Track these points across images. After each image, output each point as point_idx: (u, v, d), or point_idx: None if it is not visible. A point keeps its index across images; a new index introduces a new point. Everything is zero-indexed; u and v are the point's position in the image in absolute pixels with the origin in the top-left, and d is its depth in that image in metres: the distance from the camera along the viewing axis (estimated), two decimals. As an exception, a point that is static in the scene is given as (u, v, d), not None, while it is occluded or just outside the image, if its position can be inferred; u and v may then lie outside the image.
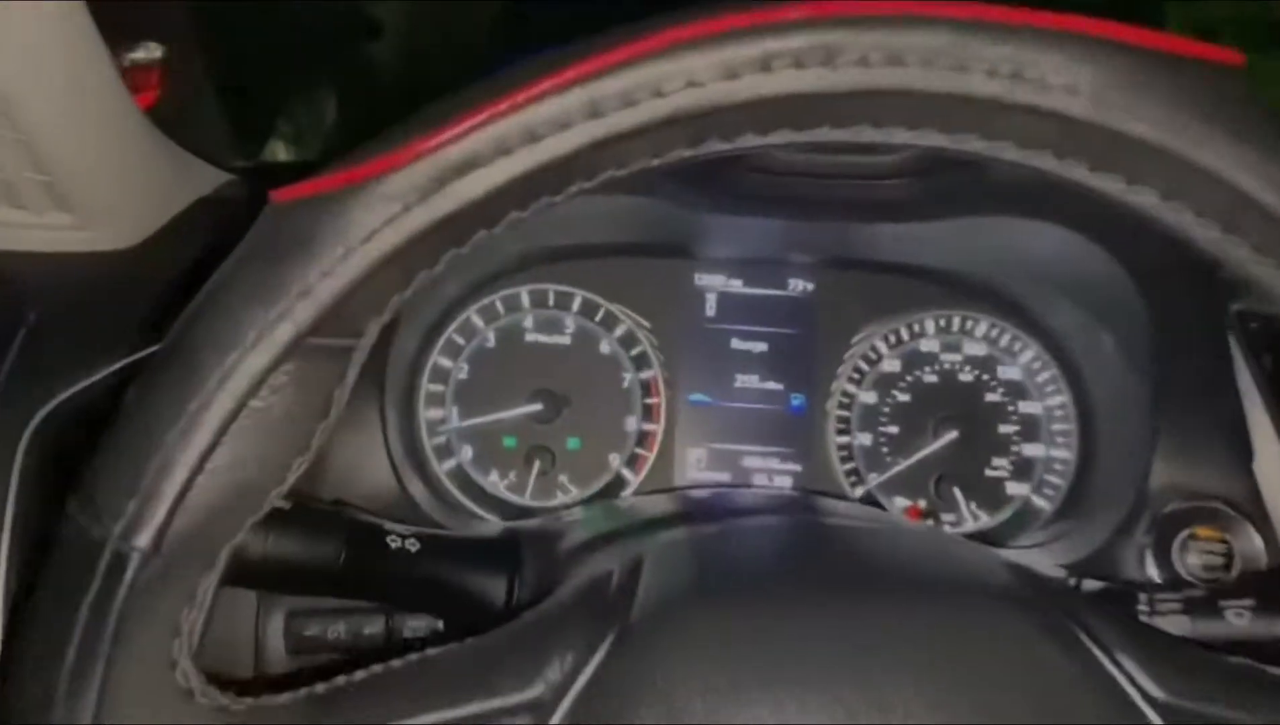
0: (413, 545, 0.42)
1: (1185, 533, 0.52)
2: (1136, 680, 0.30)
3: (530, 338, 0.62)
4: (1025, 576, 0.34)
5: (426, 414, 0.61)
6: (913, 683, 0.29)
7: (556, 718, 0.29)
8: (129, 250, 0.53)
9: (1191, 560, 0.51)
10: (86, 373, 0.48)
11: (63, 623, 0.28)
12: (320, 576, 0.41)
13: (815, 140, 0.30)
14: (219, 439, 0.29)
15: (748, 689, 0.29)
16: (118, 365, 0.47)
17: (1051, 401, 0.61)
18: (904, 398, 0.62)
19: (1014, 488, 0.61)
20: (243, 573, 0.36)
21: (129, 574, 0.28)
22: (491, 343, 0.62)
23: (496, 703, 0.29)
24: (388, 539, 0.42)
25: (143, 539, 0.28)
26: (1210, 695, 0.31)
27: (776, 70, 0.28)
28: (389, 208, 0.28)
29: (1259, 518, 0.51)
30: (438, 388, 0.61)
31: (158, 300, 0.49)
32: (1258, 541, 0.51)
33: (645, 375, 0.62)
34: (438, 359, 0.61)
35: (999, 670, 0.30)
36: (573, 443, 0.61)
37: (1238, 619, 0.44)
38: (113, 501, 0.28)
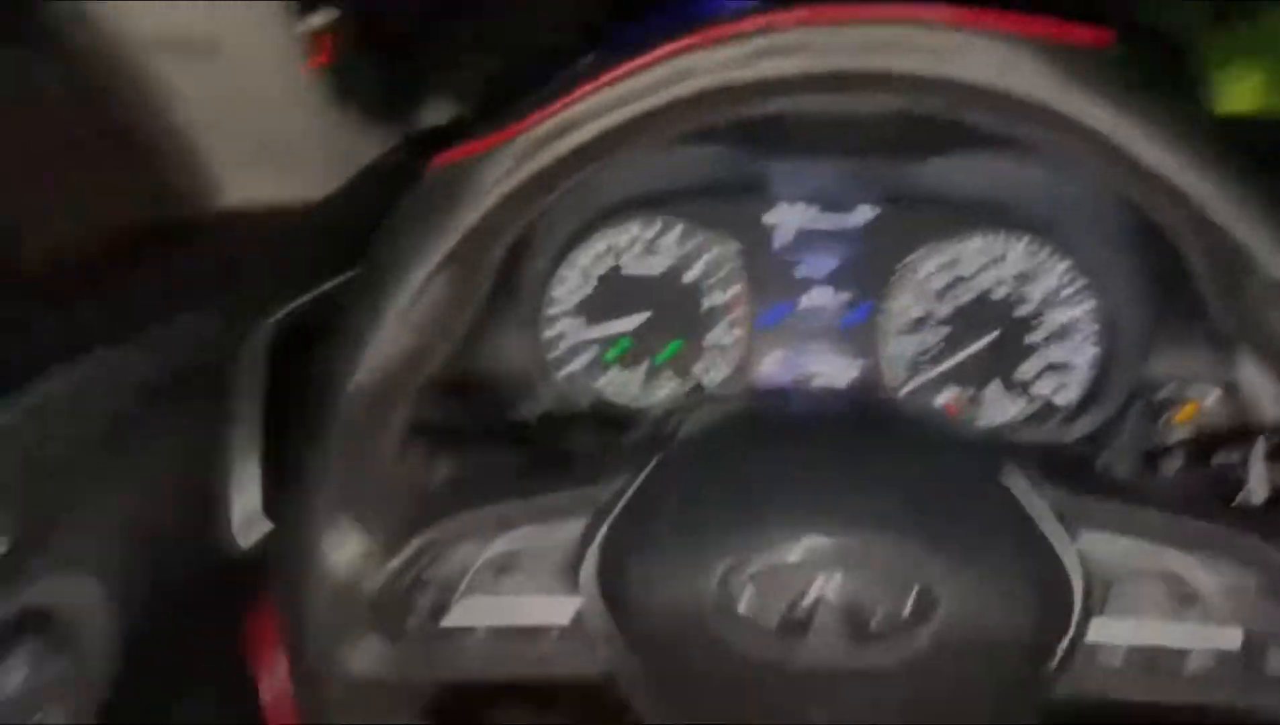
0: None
1: (1173, 411, 0.62)
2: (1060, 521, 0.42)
3: (634, 265, 0.76)
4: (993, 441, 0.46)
5: (549, 330, 0.76)
6: (873, 506, 0.42)
7: (611, 516, 0.43)
8: (316, 204, 0.69)
9: (1176, 433, 0.61)
10: (297, 295, 0.64)
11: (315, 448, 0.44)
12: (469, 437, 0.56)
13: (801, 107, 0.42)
14: (398, 328, 0.44)
15: (756, 507, 0.42)
16: (327, 286, 0.63)
17: (1076, 311, 0.71)
18: (947, 310, 0.73)
19: (1039, 387, 0.71)
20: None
21: (342, 408, 0.44)
22: (603, 269, 0.76)
23: (568, 494, 0.43)
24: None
25: (350, 386, 0.43)
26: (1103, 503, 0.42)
27: (766, 59, 0.40)
28: (509, 164, 0.42)
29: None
30: (559, 308, 0.76)
31: (347, 240, 0.66)
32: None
33: (729, 295, 0.75)
34: (560, 283, 0.76)
35: (954, 504, 0.42)
36: (665, 354, 0.75)
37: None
38: (336, 366, 0.44)
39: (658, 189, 0.74)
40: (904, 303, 0.73)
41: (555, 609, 0.43)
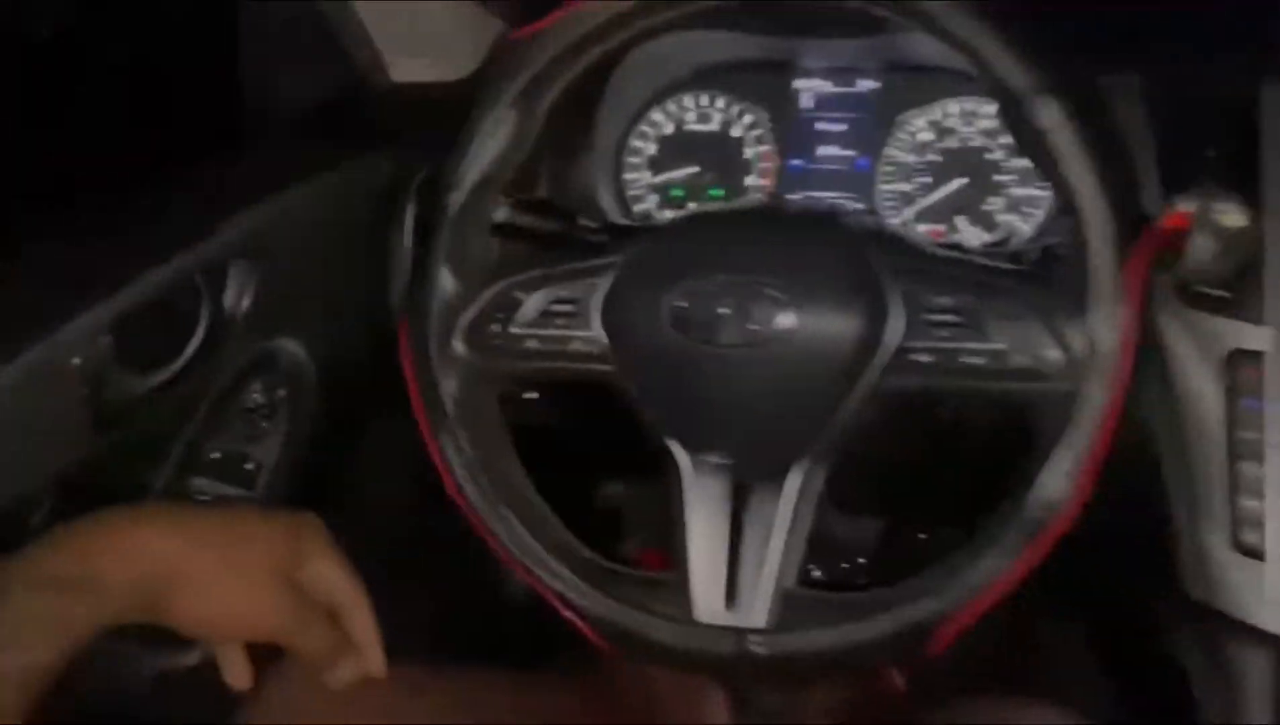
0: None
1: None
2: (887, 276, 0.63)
3: (691, 126, 0.99)
4: (854, 221, 0.68)
5: (627, 176, 1.00)
6: (775, 266, 0.64)
7: (612, 274, 0.67)
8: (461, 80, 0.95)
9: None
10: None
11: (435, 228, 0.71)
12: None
13: None
14: (481, 147, 0.69)
15: (693, 260, 0.66)
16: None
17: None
18: (933, 157, 0.92)
19: (1003, 217, 0.90)
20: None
21: (449, 201, 0.70)
22: (669, 130, 0.99)
23: (583, 263, 0.68)
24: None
25: (454, 186, 0.70)
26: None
27: None
28: (544, 45, 0.67)
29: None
30: (634, 160, 1.00)
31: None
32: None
33: (762, 149, 0.97)
34: (633, 142, 0.99)
35: (812, 259, 0.65)
36: (714, 193, 0.98)
37: None
38: (445, 175, 0.70)
39: (706, 66, 0.97)
40: (897, 153, 0.93)
41: (575, 337, 0.69)
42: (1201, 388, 0.75)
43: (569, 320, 0.69)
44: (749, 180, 0.98)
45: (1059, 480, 0.60)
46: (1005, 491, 0.63)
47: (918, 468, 0.78)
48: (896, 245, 0.66)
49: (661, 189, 0.99)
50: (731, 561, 0.67)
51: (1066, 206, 0.60)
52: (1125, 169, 0.63)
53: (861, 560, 0.87)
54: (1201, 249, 0.72)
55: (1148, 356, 0.77)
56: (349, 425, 0.92)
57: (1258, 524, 0.72)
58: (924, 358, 0.63)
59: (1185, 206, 0.72)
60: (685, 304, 0.65)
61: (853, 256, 0.64)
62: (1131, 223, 0.60)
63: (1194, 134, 0.76)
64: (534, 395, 0.94)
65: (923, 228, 0.93)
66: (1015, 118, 0.60)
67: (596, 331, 0.68)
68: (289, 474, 0.88)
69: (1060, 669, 0.93)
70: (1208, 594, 0.74)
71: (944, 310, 0.62)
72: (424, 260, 0.71)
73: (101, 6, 0.88)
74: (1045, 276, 0.62)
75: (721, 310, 0.64)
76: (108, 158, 0.82)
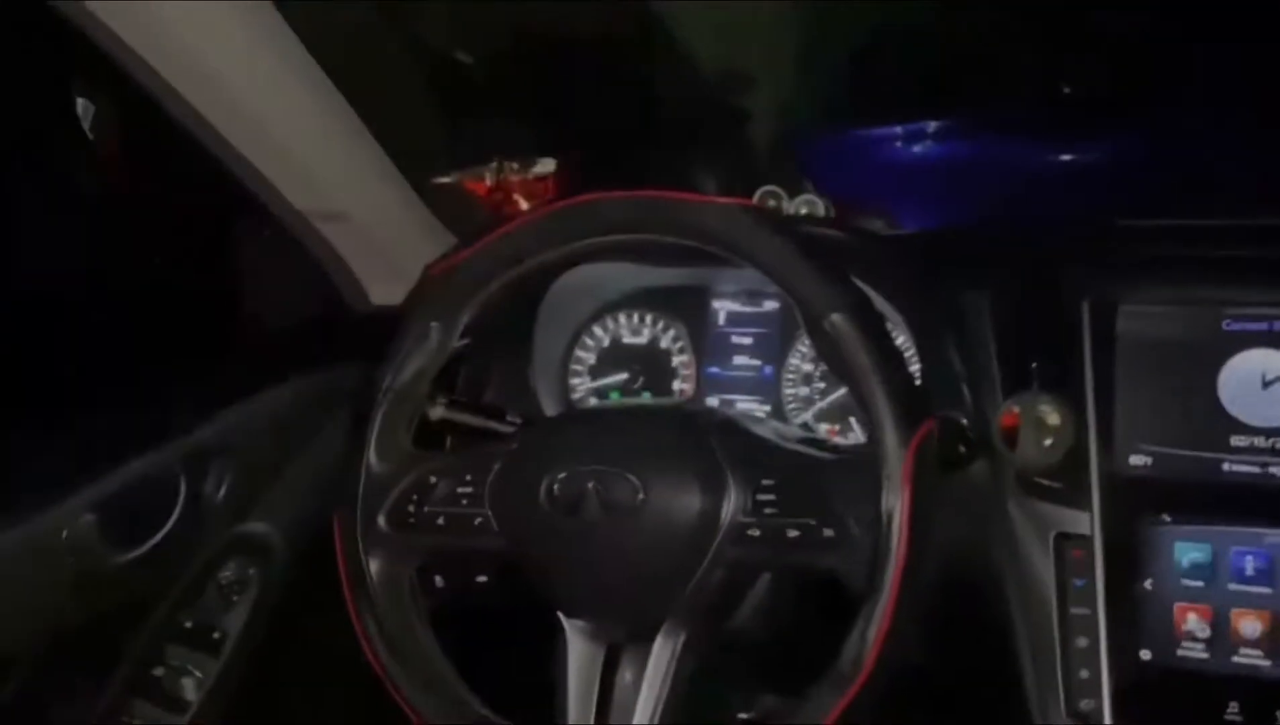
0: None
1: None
2: (725, 460, 0.75)
3: (625, 340, 1.14)
4: (703, 414, 0.80)
5: (571, 381, 1.14)
6: (633, 452, 0.77)
7: (498, 464, 0.80)
8: None
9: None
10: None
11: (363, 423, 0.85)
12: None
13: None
14: (406, 360, 0.84)
15: (564, 454, 0.78)
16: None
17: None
18: (824, 368, 1.05)
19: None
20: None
21: (375, 406, 0.84)
22: (605, 343, 1.14)
23: (480, 454, 0.82)
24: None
25: (381, 392, 0.84)
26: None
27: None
28: (455, 280, 0.82)
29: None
30: (578, 367, 1.14)
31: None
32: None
33: (685, 358, 1.11)
34: (577, 352, 1.14)
35: (663, 446, 0.77)
36: (645, 395, 1.12)
37: None
38: (374, 383, 0.85)
39: (637, 290, 1.12)
40: (797, 362, 1.07)
41: (476, 515, 0.81)
42: (1038, 566, 0.84)
43: (472, 501, 0.81)
44: (675, 384, 1.11)
45: (860, 641, 0.68)
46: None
47: (782, 633, 0.86)
48: (735, 434, 0.77)
49: (600, 392, 1.13)
50: (600, 719, 0.76)
51: (858, 403, 0.72)
52: (911, 372, 0.75)
53: (732, 712, 0.94)
54: (1029, 442, 0.83)
55: (999, 540, 0.87)
56: (309, 601, 1.04)
57: (1091, 694, 0.79)
58: (755, 532, 0.73)
59: (1016, 406, 0.84)
60: (556, 485, 0.77)
61: (698, 444, 0.76)
62: (913, 418, 0.71)
63: (1028, 343, 0.88)
64: (484, 579, 1.05)
65: (823, 427, 1.05)
66: (813, 330, 0.73)
67: (491, 509, 0.80)
68: (251, 643, 0.99)
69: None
70: (1055, 761, 0.80)
71: (769, 489, 0.73)
72: (355, 451, 0.84)
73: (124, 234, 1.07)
74: (848, 462, 0.73)
75: (585, 490, 0.76)
76: (113, 359, 0.99)
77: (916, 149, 3.34)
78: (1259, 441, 0.81)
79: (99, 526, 0.85)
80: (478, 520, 0.81)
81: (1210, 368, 0.83)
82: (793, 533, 0.72)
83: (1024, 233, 1.01)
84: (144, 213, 1.11)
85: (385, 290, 1.14)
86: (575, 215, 0.81)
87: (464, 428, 0.95)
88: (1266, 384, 0.81)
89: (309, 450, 1.04)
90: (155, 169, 1.09)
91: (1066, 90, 3.05)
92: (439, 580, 0.99)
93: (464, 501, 0.82)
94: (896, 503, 0.69)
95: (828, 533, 0.71)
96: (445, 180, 1.43)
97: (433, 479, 0.83)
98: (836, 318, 0.72)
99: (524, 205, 1.83)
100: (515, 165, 1.71)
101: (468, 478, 0.82)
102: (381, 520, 0.83)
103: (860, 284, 0.75)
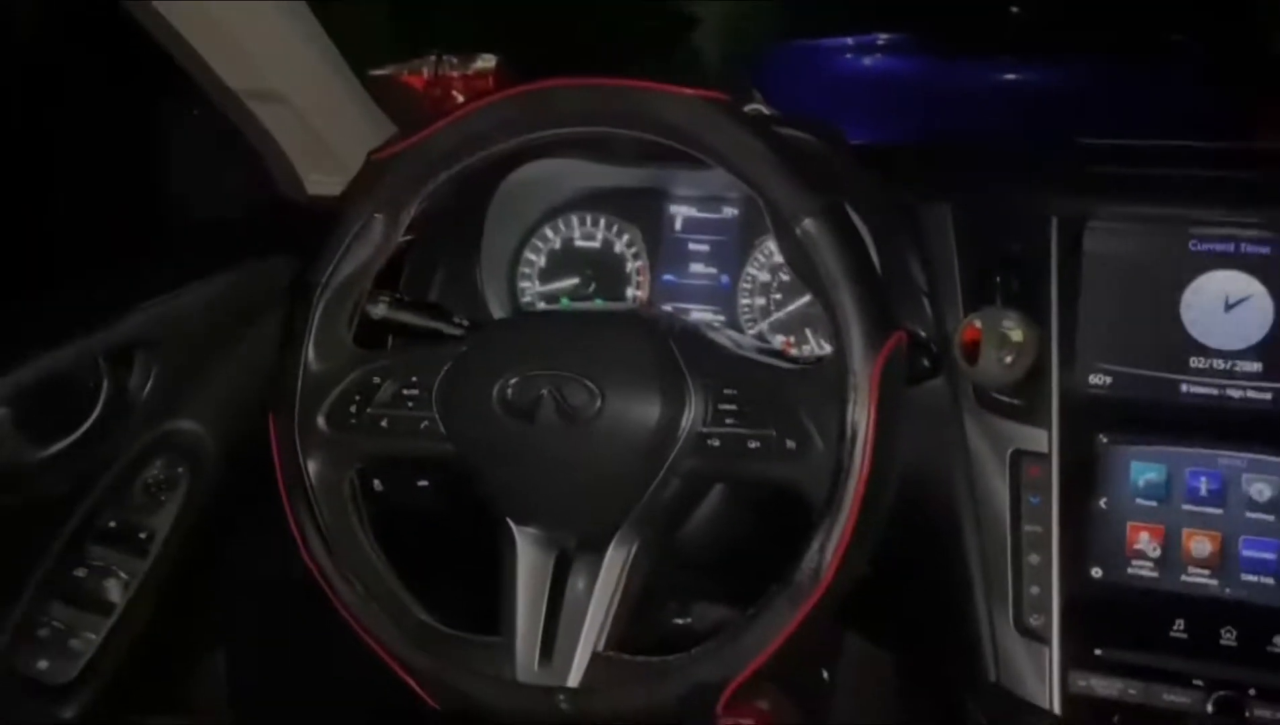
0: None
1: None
2: (687, 368, 0.72)
3: (577, 243, 1.09)
4: (664, 320, 0.77)
5: (520, 284, 1.10)
6: (592, 358, 0.73)
7: (449, 364, 0.76)
8: None
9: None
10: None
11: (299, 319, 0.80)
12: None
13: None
14: (347, 250, 0.79)
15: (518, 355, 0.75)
16: None
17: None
18: (784, 277, 1.02)
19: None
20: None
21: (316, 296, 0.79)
22: (557, 246, 1.10)
23: (428, 352, 0.78)
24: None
25: (320, 283, 0.79)
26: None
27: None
28: (398, 166, 0.77)
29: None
30: (527, 270, 1.10)
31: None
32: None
33: (639, 264, 1.07)
34: (527, 255, 1.10)
35: (622, 352, 0.74)
36: (597, 302, 1.08)
37: None
38: (314, 272, 0.80)
39: (591, 191, 1.08)
40: (755, 272, 1.04)
41: (422, 418, 0.77)
42: (993, 484, 0.83)
43: (418, 403, 0.77)
44: (629, 291, 1.08)
45: (819, 554, 0.67)
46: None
47: (736, 542, 0.85)
48: (696, 342, 0.75)
49: (550, 296, 1.09)
50: (550, 627, 0.74)
51: (826, 312, 0.69)
52: (883, 282, 0.73)
53: (677, 624, 0.93)
54: (990, 358, 0.81)
55: (955, 456, 0.86)
56: (241, 502, 1.00)
57: (1040, 609, 0.80)
58: (715, 442, 0.71)
59: (978, 321, 0.82)
60: (510, 389, 0.73)
61: (659, 351, 0.73)
62: (882, 329, 0.69)
63: (992, 259, 0.86)
64: (425, 484, 1.02)
65: (778, 339, 1.02)
66: (782, 234, 0.70)
67: (438, 413, 0.77)
68: (180, 545, 0.95)
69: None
70: (1000, 675, 0.81)
71: (731, 399, 0.71)
72: (291, 346, 0.80)
73: (44, 109, 0.99)
74: (812, 373, 0.71)
75: (540, 395, 0.72)
76: (28, 246, 0.92)
77: (866, 62, 3.31)
78: (1218, 363, 0.80)
79: (14, 420, 0.80)
80: (424, 424, 0.77)
81: (1174, 288, 0.82)
82: (754, 443, 0.70)
83: (987, 149, 0.98)
84: (60, 86, 1.02)
85: (323, 181, 1.08)
86: (535, 102, 0.76)
87: (407, 328, 0.91)
88: (1230, 306, 0.81)
89: (243, 346, 0.98)
90: (73, 36, 1.00)
91: (1015, 9, 3.04)
92: (378, 485, 0.96)
93: (409, 404, 0.78)
94: (862, 416, 0.67)
95: (790, 444, 0.69)
96: (382, 72, 1.36)
97: (376, 379, 0.79)
98: (809, 223, 0.69)
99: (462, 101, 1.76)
100: (455, 60, 1.63)
101: (414, 379, 0.78)
102: (320, 421, 0.79)
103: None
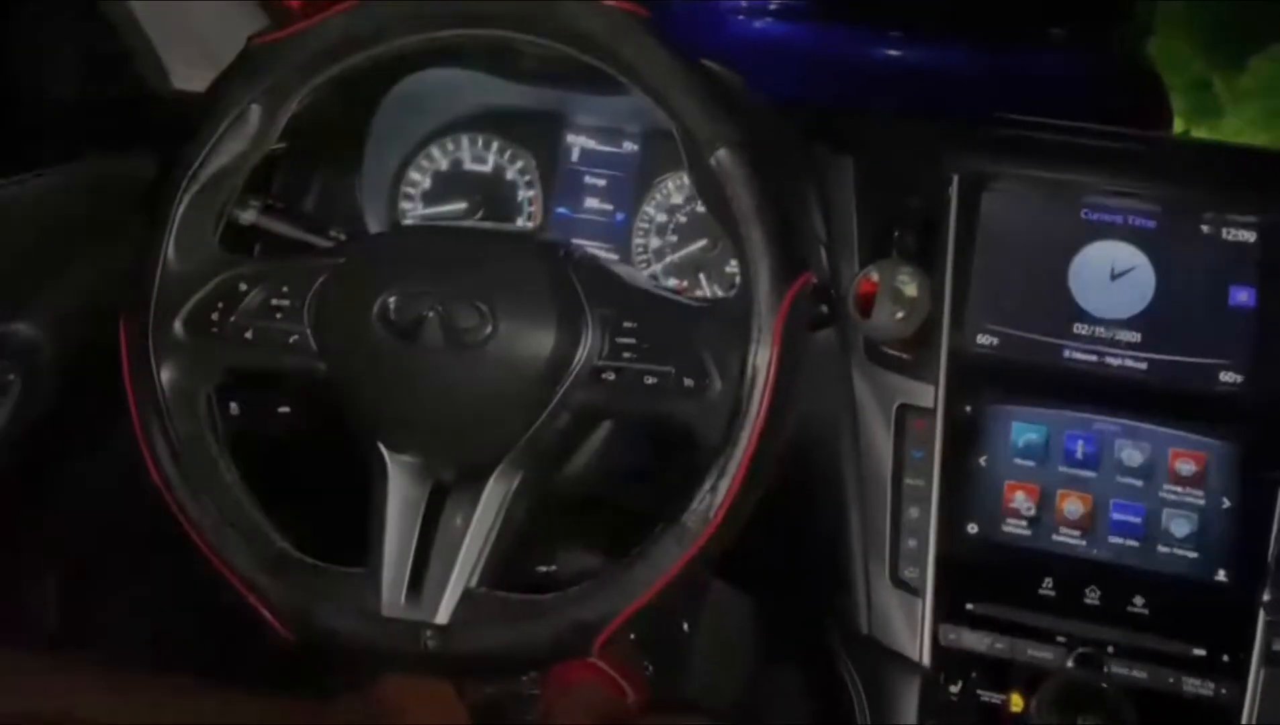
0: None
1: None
2: (586, 298, 0.69)
3: (466, 166, 1.04)
4: (564, 246, 0.73)
5: (402, 205, 1.04)
6: (484, 279, 0.69)
7: (331, 272, 0.71)
8: None
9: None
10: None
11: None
12: None
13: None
14: (220, 143, 0.72)
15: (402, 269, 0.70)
16: None
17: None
18: (682, 218, 0.99)
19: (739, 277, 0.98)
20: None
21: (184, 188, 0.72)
22: (444, 167, 1.04)
23: (301, 263, 0.72)
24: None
25: (189, 175, 0.72)
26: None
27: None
28: (302, 52, 0.71)
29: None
30: (410, 190, 1.04)
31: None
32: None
33: (531, 194, 1.03)
34: (410, 174, 1.04)
35: (518, 275, 0.69)
36: (486, 231, 1.03)
37: None
38: (183, 163, 0.72)
39: (483, 110, 1.02)
40: (651, 211, 1.00)
41: (292, 331, 0.72)
42: (878, 436, 0.83)
43: (288, 315, 0.72)
44: (519, 221, 1.03)
45: (709, 494, 0.65)
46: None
47: (620, 483, 0.82)
48: (596, 272, 0.71)
49: (434, 221, 1.04)
50: (420, 560, 0.70)
51: (735, 248, 0.67)
52: (795, 222, 0.71)
53: (552, 568, 0.91)
54: (884, 311, 0.81)
55: (841, 407, 0.85)
56: (82, 414, 0.91)
57: (916, 562, 0.80)
58: (610, 376, 0.68)
59: (873, 275, 0.82)
60: (391, 306, 0.68)
61: (557, 277, 0.69)
62: (791, 268, 0.67)
63: (891, 213, 0.86)
64: (286, 409, 0.95)
65: (671, 281, 1.00)
66: (695, 164, 0.67)
67: (310, 327, 0.71)
68: (10, 452, 0.86)
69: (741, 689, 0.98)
70: (871, 627, 0.81)
71: (630, 333, 0.68)
72: (151, 243, 0.72)
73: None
74: (716, 310, 0.69)
75: (425, 315, 0.68)
76: None
77: (758, 25, 3.30)
78: (1100, 331, 0.82)
79: None
80: (293, 338, 0.72)
81: (1064, 255, 0.83)
82: (650, 380, 0.67)
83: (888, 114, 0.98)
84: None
85: (191, 74, 0.99)
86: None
87: (277, 239, 0.84)
88: (1115, 276, 0.82)
89: (94, 246, 0.89)
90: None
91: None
92: (234, 407, 0.89)
93: (278, 315, 0.72)
94: (764, 356, 0.65)
95: (688, 382, 0.67)
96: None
97: (242, 286, 0.73)
98: (724, 154, 0.66)
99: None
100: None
101: (285, 288, 0.72)
102: (178, 326, 0.72)
103: None
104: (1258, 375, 0.79)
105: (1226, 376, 0.80)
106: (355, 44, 0.71)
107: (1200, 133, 4.82)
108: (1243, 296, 0.81)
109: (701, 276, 0.99)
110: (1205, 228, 0.82)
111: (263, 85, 0.72)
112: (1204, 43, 4.98)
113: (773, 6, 3.10)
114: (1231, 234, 0.82)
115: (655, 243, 1.00)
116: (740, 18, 3.12)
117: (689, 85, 0.67)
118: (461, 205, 1.03)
